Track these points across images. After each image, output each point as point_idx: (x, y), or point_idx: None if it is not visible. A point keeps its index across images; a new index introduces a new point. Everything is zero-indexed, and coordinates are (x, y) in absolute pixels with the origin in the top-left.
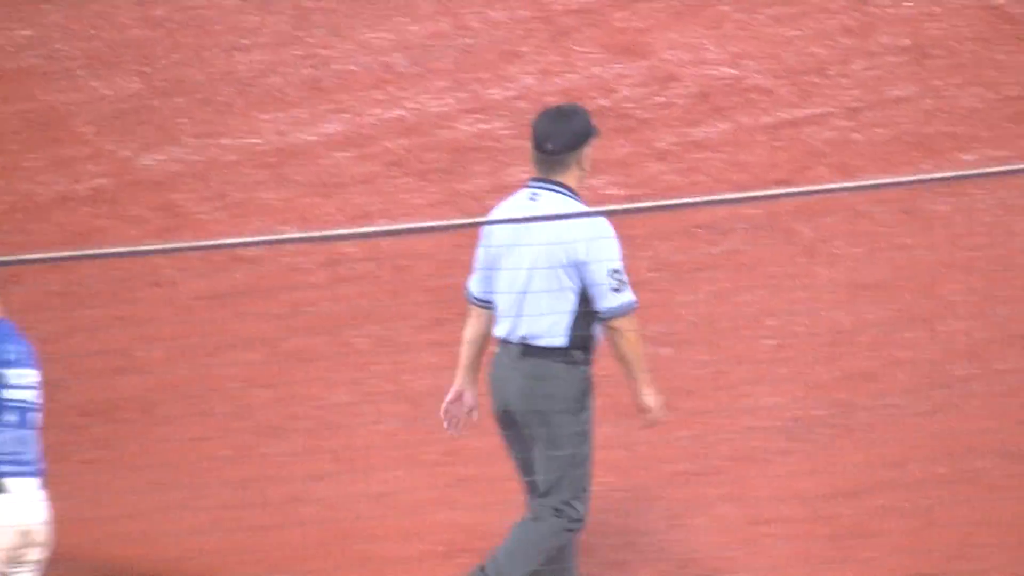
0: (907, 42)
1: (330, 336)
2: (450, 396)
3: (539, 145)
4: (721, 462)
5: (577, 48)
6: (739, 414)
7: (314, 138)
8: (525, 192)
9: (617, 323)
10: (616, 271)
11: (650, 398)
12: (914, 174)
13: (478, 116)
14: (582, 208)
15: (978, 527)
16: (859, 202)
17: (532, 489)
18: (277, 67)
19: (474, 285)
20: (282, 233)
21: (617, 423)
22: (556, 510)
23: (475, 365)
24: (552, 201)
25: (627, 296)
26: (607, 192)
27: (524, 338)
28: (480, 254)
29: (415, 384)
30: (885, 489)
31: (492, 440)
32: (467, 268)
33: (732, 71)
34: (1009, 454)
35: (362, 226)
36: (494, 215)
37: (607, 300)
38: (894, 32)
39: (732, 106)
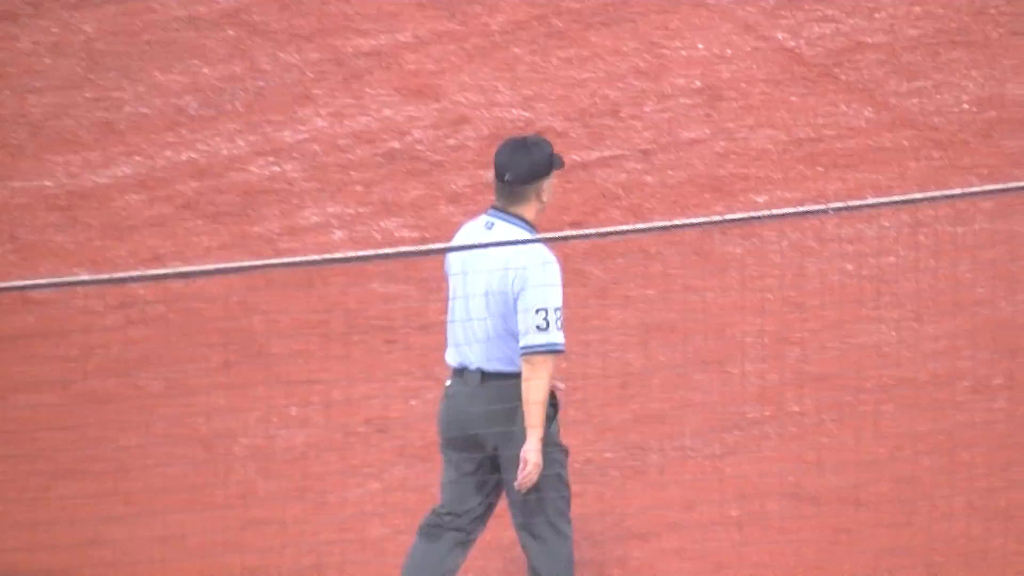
0: (699, 84)
1: (122, 378)
2: None
3: (498, 175)
4: None
5: (369, 91)
6: None
7: (106, 180)
8: (483, 219)
9: (533, 360)
10: (543, 310)
11: (533, 454)
12: (706, 216)
13: (270, 159)
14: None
15: (765, 570)
16: (651, 244)
17: (467, 518)
18: (69, 109)
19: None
20: (73, 276)
21: (410, 465)
22: (562, 517)
23: None
24: (505, 232)
25: (551, 337)
26: (399, 234)
27: (483, 365)
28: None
29: (205, 427)
30: (675, 531)
31: (282, 482)
32: (258, 310)
33: (524, 113)
34: (800, 496)
35: (153, 268)
36: (456, 237)
37: (528, 337)
38: (686, 74)
39: None
